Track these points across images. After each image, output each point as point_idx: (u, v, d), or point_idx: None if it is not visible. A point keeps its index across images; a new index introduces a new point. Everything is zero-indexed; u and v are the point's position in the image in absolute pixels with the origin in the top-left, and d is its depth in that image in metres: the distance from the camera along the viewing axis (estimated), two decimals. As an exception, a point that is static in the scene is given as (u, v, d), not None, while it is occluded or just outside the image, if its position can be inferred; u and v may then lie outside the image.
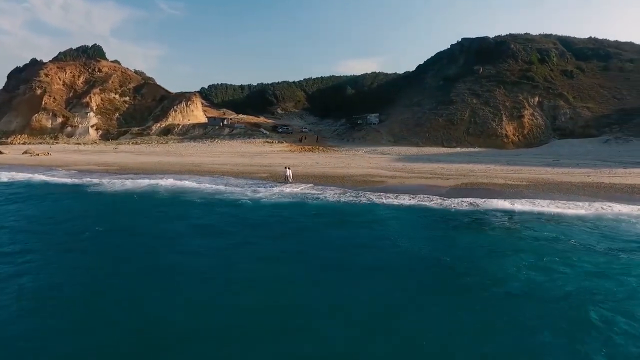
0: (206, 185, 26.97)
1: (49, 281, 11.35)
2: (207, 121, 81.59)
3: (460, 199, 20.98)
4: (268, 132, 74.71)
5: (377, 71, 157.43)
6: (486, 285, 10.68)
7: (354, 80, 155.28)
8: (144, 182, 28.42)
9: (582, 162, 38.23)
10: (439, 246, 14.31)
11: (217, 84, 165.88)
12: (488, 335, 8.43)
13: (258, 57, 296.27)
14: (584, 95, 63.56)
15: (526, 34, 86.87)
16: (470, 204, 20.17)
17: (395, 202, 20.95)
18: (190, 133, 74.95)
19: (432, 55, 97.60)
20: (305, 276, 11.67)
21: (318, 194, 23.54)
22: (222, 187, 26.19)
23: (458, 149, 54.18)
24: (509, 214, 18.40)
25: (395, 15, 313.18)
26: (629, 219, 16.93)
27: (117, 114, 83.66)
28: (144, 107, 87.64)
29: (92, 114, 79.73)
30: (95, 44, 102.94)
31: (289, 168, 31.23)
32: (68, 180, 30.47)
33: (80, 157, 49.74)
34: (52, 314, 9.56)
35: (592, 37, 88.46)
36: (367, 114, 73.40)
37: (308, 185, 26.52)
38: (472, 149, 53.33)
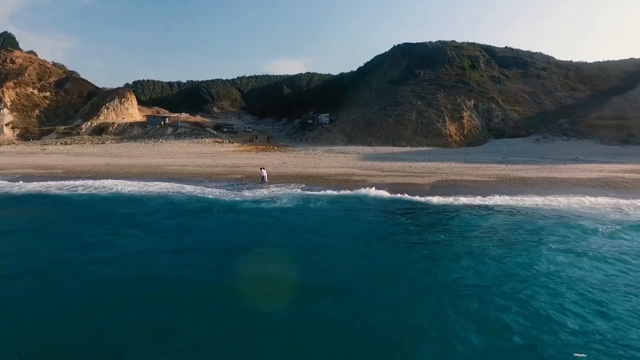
0: (189, 189, 25.36)
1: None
2: (145, 120, 76.12)
3: (454, 197, 22.27)
4: (215, 132, 71.94)
5: (306, 72, 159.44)
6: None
7: (289, 80, 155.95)
8: (113, 187, 26.00)
9: (526, 159, 42.71)
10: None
11: (144, 80, 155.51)
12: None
13: (183, 53, 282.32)
14: (511, 99, 70.65)
15: (453, 41, 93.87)
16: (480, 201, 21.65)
17: (422, 200, 21.78)
18: (129, 133, 69.40)
19: (371, 58, 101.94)
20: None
21: (323, 194, 23.37)
22: (212, 190, 24.90)
23: (409, 148, 57.08)
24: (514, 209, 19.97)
25: (321, 17, 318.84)
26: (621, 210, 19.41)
27: (37, 111, 74.44)
28: (69, 104, 79.12)
29: (6, 110, 70.01)
30: (6, 31, 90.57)
31: (263, 169, 30.75)
32: (15, 189, 26.58)
33: (8, 160, 43.62)
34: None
35: (508, 46, 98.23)
36: (317, 114, 74.04)
37: (299, 186, 26.17)
38: (421, 148, 56.53)
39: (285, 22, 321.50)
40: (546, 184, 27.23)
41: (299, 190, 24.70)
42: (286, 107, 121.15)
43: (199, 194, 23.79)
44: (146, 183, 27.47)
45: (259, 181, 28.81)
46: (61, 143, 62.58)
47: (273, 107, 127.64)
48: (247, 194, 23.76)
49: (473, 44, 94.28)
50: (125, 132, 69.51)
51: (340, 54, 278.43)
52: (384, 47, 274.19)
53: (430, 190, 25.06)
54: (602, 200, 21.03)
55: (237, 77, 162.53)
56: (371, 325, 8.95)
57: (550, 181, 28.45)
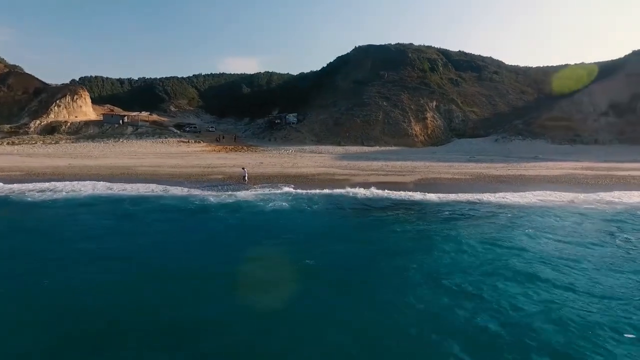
0: (175, 191, 24.50)
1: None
2: (101, 119, 71.82)
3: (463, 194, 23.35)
4: (179, 132, 69.43)
5: (264, 71, 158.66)
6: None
7: (247, 79, 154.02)
8: (89, 190, 24.56)
9: (492, 157, 45.27)
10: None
11: (91, 76, 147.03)
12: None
13: (126, 48, 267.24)
14: (469, 101, 74.43)
15: (411, 44, 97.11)
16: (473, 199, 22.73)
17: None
18: (84, 132, 65.16)
19: (333, 59, 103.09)
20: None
21: (319, 193, 23.53)
22: (202, 192, 24.21)
23: (377, 148, 58.45)
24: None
25: (273, 17, 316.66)
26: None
27: (-26, 109, 68.03)
28: (13, 101, 72.82)
29: (-62, 107, 63.40)
30: None
31: (244, 168, 30.59)
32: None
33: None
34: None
35: (461, 50, 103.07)
36: (284, 113, 73.65)
37: (288, 186, 26.07)
38: (390, 148, 58.10)
39: (235, 19, 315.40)
40: (519, 181, 29.11)
41: (291, 190, 24.70)
42: (247, 107, 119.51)
43: (186, 195, 23.19)
44: (125, 185, 26.15)
45: (241, 181, 28.46)
46: (8, 143, 57.50)
47: (233, 106, 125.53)
48: (241, 194, 23.38)
49: (430, 47, 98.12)
50: (80, 132, 65.25)
51: (297, 54, 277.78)
52: (340, 48, 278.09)
53: (418, 188, 25.83)
54: (581, 196, 22.96)
55: (193, 75, 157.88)
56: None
57: (521, 179, 30.43)
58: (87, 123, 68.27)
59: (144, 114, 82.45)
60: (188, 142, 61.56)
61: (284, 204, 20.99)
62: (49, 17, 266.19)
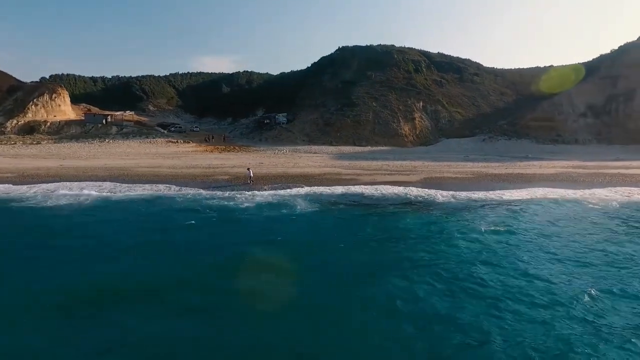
0: (189, 191, 24.16)
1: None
2: (83, 118, 69.34)
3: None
4: (166, 132, 67.88)
5: (243, 70, 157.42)
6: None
7: (227, 78, 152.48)
8: (105, 191, 23.87)
9: (486, 157, 46.63)
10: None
11: (63, 74, 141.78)
12: None
13: (98, 46, 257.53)
14: (453, 102, 76.26)
15: (392, 45, 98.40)
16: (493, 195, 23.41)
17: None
18: (65, 132, 62.70)
19: (318, 59, 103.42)
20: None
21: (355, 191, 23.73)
22: (215, 193, 23.94)
23: (369, 148, 59.05)
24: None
25: (248, 15, 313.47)
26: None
27: (-57, 107, 64.31)
28: (-15, 99, 69.38)
29: None
30: None
31: (249, 169, 30.52)
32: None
33: None
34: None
35: (440, 52, 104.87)
36: (274, 113, 73.19)
37: (301, 187, 26.06)
38: (382, 147, 58.83)
39: (208, 17, 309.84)
40: (521, 180, 30.14)
41: (306, 190, 24.80)
42: (229, 106, 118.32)
43: (205, 196, 22.83)
44: (134, 187, 25.61)
45: (247, 182, 28.29)
46: (-16, 144, 54.75)
47: (213, 105, 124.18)
48: (261, 195, 23.24)
49: (411, 48, 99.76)
50: (62, 131, 62.80)
51: (272, 53, 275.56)
52: (316, 48, 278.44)
53: (428, 187, 26.32)
54: (584, 193, 24.07)
55: (170, 74, 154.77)
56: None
57: (522, 177, 31.56)
58: (69, 123, 65.82)
59: (128, 113, 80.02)
60: (177, 142, 60.33)
61: (308, 204, 21.02)
62: (10, 10, 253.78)
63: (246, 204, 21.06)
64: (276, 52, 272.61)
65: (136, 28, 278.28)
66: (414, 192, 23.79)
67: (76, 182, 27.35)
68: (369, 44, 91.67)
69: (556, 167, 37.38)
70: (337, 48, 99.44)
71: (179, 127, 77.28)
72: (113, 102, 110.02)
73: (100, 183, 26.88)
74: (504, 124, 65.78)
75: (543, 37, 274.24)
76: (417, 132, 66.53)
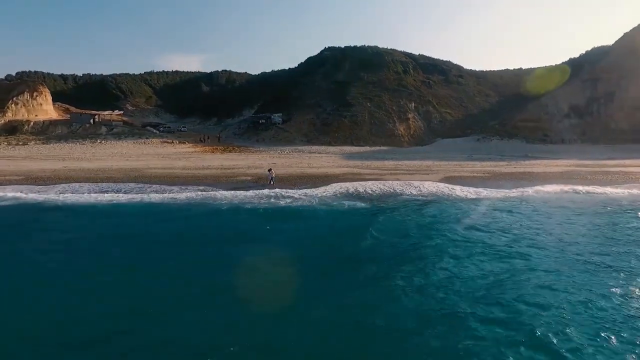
0: (225, 194, 23.39)
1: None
2: (68, 118, 66.35)
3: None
4: (158, 132, 65.96)
5: (222, 69, 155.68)
6: None
7: (206, 77, 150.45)
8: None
9: (489, 156, 48.10)
10: None
11: (30, 71, 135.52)
12: None
13: (59, 43, 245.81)
14: (443, 103, 78.18)
15: (375, 46, 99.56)
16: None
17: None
18: (51, 132, 59.72)
19: (305, 59, 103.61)
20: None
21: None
22: (272, 192, 23.59)
23: (368, 148, 59.62)
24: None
25: (216, 13, 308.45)
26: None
27: None
28: (-42, 98, 65.11)
29: None
30: None
31: (270, 170, 30.27)
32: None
33: None
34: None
35: (422, 54, 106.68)
36: (270, 113, 72.45)
37: (342, 188, 26.07)
38: (381, 147, 59.53)
39: (171, 14, 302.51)
40: (535, 178, 31.17)
41: (349, 187, 24.97)
42: (212, 106, 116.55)
43: (252, 197, 22.43)
44: (166, 187, 24.82)
45: (268, 183, 28.05)
46: (-36, 145, 51.42)
47: (195, 105, 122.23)
48: (313, 194, 23.12)
49: (395, 50, 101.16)
50: (47, 132, 59.82)
51: (244, 53, 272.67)
52: (291, 49, 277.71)
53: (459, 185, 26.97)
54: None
55: (145, 72, 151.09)
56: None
57: (535, 175, 32.75)
58: (54, 122, 62.91)
59: (117, 113, 77.28)
60: (172, 143, 58.73)
61: (359, 203, 21.18)
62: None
63: (305, 204, 20.95)
64: (247, 53, 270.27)
65: (98, 24, 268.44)
66: (456, 190, 24.28)
67: (103, 184, 26.16)
68: (359, 45, 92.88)
69: (559, 166, 39.06)
70: (324, 48, 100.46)
71: (168, 128, 75.36)
72: (88, 101, 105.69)
73: (127, 185, 25.83)
74: (495, 124, 68.11)
75: (519, 40, 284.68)
76: (412, 132, 67.79)
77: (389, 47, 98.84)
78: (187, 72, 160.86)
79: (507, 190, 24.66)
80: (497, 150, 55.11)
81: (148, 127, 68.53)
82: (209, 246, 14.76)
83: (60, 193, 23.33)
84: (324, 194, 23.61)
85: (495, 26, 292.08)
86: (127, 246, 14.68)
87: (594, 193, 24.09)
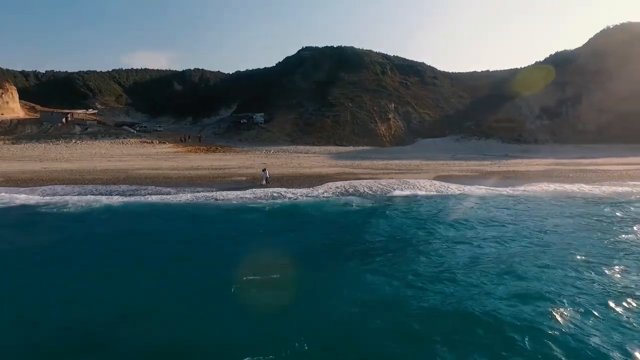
0: (229, 196, 23.13)
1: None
2: (36, 116, 63.14)
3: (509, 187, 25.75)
4: (135, 132, 63.82)
5: (194, 67, 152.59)
6: None
7: (177, 76, 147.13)
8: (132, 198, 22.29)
9: (472, 156, 49.54)
10: None
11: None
12: None
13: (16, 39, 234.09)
14: (421, 104, 79.85)
15: (352, 47, 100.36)
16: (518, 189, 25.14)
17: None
18: (20, 132, 56.59)
19: (283, 58, 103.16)
20: None
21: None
22: (275, 192, 23.45)
23: (351, 148, 60.12)
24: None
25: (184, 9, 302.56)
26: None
27: None
28: None
29: None
30: None
31: (265, 170, 30.11)
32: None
33: None
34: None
35: (397, 55, 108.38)
36: (252, 113, 71.58)
37: (340, 187, 26.22)
38: (364, 147, 60.17)
39: (137, 9, 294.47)
40: (520, 177, 32.51)
41: (350, 186, 25.12)
42: (187, 105, 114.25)
43: (259, 198, 22.18)
44: (161, 189, 24.15)
45: (263, 182, 27.90)
46: None
47: (166, 104, 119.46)
48: (315, 194, 23.11)
49: (371, 50, 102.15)
50: (16, 131, 56.67)
51: (213, 50, 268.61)
52: (263, 49, 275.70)
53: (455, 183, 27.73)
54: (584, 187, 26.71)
55: (113, 70, 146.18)
56: None
57: (520, 174, 34.06)
58: (22, 122, 59.77)
59: (91, 111, 74.23)
60: (152, 143, 57.01)
61: (363, 201, 21.43)
62: None
63: (305, 201, 20.99)
64: (216, 50, 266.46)
65: (58, 19, 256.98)
66: (452, 188, 24.92)
67: (90, 186, 25.16)
68: (339, 45, 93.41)
69: (540, 165, 40.83)
70: (302, 47, 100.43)
71: (145, 127, 73.03)
72: (54, 99, 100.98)
73: (119, 186, 24.89)
74: (472, 125, 70.26)
75: (490, 42, 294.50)
76: (393, 133, 68.89)
77: (365, 48, 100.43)
78: (158, 70, 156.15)
79: (501, 188, 25.55)
80: (477, 150, 56.91)
81: (124, 127, 66.17)
82: (225, 247, 14.46)
83: (47, 195, 22.32)
84: (325, 193, 23.73)
85: (465, 29, 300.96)
86: (141, 249, 14.21)
87: (583, 191, 25.28)
